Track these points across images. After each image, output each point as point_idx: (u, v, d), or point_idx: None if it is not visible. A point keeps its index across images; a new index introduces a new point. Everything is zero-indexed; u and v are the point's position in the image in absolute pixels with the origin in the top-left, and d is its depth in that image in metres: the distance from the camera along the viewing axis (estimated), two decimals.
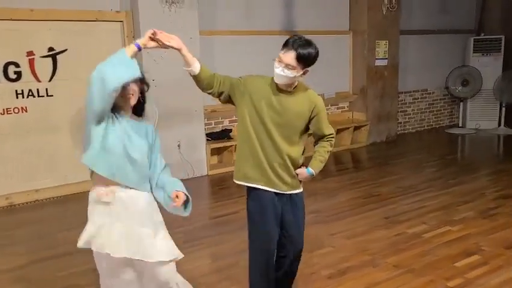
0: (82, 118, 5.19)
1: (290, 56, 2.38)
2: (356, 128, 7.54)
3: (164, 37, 2.32)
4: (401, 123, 8.48)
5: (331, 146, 2.67)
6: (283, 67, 2.39)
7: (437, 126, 9.01)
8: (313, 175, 2.62)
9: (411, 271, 3.28)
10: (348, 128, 7.38)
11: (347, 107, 7.77)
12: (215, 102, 6.24)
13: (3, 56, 4.77)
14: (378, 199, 4.86)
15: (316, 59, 2.47)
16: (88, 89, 2.10)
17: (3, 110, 4.84)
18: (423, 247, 3.66)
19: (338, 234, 3.95)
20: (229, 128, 6.40)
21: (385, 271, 3.29)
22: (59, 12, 4.96)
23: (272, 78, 2.52)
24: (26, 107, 4.96)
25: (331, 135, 2.67)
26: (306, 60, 2.40)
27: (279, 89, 2.51)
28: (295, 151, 2.55)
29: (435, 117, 9.03)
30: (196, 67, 2.44)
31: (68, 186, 5.21)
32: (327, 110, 7.36)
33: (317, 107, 2.56)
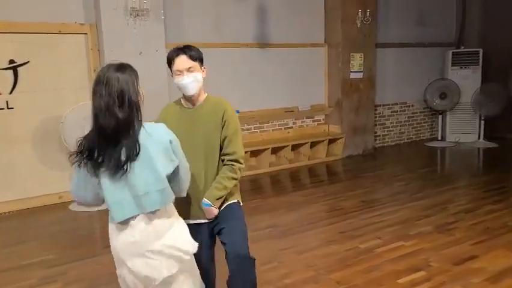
0: (44, 130, 5.21)
1: (183, 60, 2.33)
2: (332, 141, 7.50)
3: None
4: (379, 136, 8.44)
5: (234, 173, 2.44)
6: (186, 75, 2.33)
7: (417, 139, 8.96)
8: (211, 205, 2.40)
9: (352, 287, 3.21)
10: (323, 140, 7.34)
11: (323, 119, 7.74)
12: None
13: None
14: (339, 213, 4.80)
15: (202, 55, 2.44)
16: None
17: None
18: (372, 262, 3.59)
19: (288, 250, 3.89)
20: None
21: (326, 287, 3.22)
22: (21, 25, 4.97)
23: (175, 101, 2.50)
24: None
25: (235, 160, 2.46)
26: (198, 55, 2.39)
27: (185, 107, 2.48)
28: None
29: (415, 130, 8.99)
30: None
31: (29, 200, 5.17)
32: (302, 122, 7.54)
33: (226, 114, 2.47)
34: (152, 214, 1.99)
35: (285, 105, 7.26)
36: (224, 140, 2.41)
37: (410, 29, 8.42)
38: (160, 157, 1.95)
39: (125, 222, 1.97)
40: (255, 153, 6.80)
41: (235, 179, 2.42)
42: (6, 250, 4.09)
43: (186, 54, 2.33)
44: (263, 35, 6.85)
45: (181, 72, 2.35)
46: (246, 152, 6.48)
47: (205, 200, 2.38)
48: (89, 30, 5.36)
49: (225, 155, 2.42)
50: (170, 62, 2.40)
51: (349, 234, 4.18)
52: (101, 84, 1.90)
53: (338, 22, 7.32)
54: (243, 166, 2.45)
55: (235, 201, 2.53)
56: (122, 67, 1.95)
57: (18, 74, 5.07)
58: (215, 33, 6.45)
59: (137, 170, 1.93)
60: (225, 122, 2.41)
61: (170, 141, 1.99)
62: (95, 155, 1.89)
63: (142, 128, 1.95)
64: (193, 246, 2.12)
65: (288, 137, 7.26)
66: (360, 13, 7.15)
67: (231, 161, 2.41)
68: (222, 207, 2.49)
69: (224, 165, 2.41)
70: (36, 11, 5.04)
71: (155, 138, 1.95)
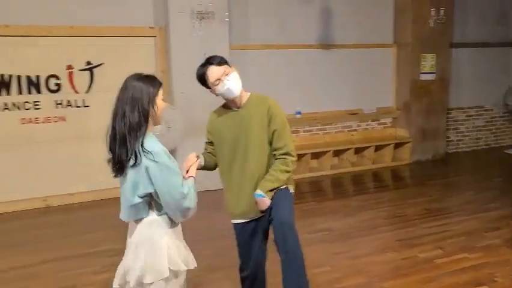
0: None
1: (214, 69, 2.40)
2: (398, 145, 7.21)
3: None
4: (452, 141, 7.97)
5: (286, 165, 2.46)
6: (225, 79, 2.39)
7: (496, 145, 8.33)
8: (264, 196, 2.42)
9: None
10: (389, 144, 7.09)
11: (390, 122, 7.47)
12: None
13: (46, 69, 5.22)
14: (399, 220, 4.61)
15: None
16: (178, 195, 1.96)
17: (44, 118, 5.27)
18: (430, 273, 3.41)
19: (341, 254, 3.81)
20: None
21: None
22: (96, 29, 5.33)
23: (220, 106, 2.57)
24: (64, 117, 5.37)
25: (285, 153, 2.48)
26: (223, 59, 2.47)
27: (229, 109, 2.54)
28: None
29: (494, 136, 8.37)
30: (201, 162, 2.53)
31: (101, 191, 5.52)
32: (366, 125, 7.31)
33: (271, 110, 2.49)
34: (137, 222, 2.03)
35: (349, 107, 7.11)
36: (272, 135, 2.44)
37: (490, 27, 7.86)
38: (144, 176, 1.94)
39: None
40: (316, 155, 6.73)
41: (288, 171, 2.45)
42: (76, 238, 4.40)
43: (214, 64, 2.40)
44: (327, 36, 6.76)
45: (219, 79, 2.40)
46: (306, 154, 6.45)
47: (258, 191, 2.42)
48: (158, 33, 5.62)
49: (275, 149, 2.46)
50: (202, 79, 2.46)
51: (408, 243, 4.01)
52: (121, 90, 2.00)
53: (409, 21, 7.03)
54: (294, 159, 2.48)
55: (285, 187, 2.53)
56: (144, 77, 2.02)
57: (94, 74, 5.44)
58: (279, 34, 6.47)
59: (128, 179, 1.97)
60: (270, 117, 2.44)
61: (146, 168, 1.92)
62: (109, 156, 1.99)
63: (147, 138, 1.95)
64: (158, 273, 1.98)
65: (352, 140, 7.09)
66: (433, 12, 6.82)
67: (282, 154, 2.44)
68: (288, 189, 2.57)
69: (276, 159, 2.45)
70: (111, 16, 5.37)
71: (145, 156, 1.92)
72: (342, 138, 7.07)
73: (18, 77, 5.10)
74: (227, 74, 2.41)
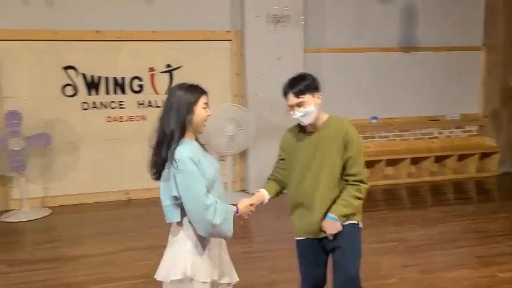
0: None
1: (290, 98, 2.35)
2: (485, 155, 6.70)
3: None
4: None
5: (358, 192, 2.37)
6: (297, 110, 2.36)
7: None
8: (337, 220, 2.35)
9: None
10: (474, 154, 6.61)
11: (476, 131, 6.96)
12: None
13: (131, 71, 5.57)
14: (480, 236, 4.28)
15: (315, 82, 2.39)
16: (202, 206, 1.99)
17: (127, 117, 5.63)
18: None
19: (411, 267, 3.61)
20: None
21: None
22: (177, 33, 5.59)
23: (296, 125, 2.52)
24: (145, 116, 5.68)
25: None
26: (306, 87, 2.34)
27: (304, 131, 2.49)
28: None
29: None
30: (265, 197, 2.52)
31: None
32: (449, 133, 6.88)
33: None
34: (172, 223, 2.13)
35: (430, 113, 6.74)
36: (347, 160, 2.36)
37: None
38: (172, 180, 2.01)
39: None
40: (392, 162, 6.46)
41: (361, 198, 2.39)
42: (152, 230, 4.60)
43: (292, 93, 2.35)
44: (409, 38, 6.47)
45: (291, 107, 2.38)
46: (381, 161, 6.23)
47: (331, 215, 2.35)
48: (234, 36, 5.75)
49: (348, 175, 2.38)
50: (284, 95, 2.43)
51: (487, 260, 3.70)
52: (166, 98, 2.10)
53: (500, 22, 6.52)
54: (367, 186, 2.40)
55: (355, 222, 2.45)
56: (188, 86, 2.09)
57: (173, 76, 5.71)
58: (356, 37, 6.32)
59: (162, 180, 2.06)
60: (347, 142, 2.35)
61: (174, 174, 1.98)
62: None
63: (182, 145, 2.01)
64: (168, 273, 2.08)
65: (432, 148, 6.72)
66: None
67: (356, 181, 2.37)
68: (353, 224, 2.45)
69: (348, 185, 2.39)
70: (189, 20, 5.60)
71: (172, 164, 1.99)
72: (422, 146, 6.72)
73: (106, 79, 5.50)
74: (300, 106, 2.36)
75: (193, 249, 2.07)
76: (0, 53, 5.14)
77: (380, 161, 6.27)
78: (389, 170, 6.52)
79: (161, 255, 2.20)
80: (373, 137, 6.58)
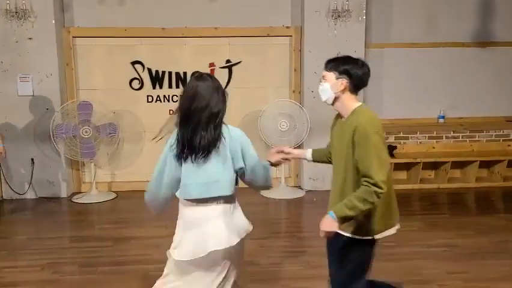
0: (247, 121, 5.88)
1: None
2: None
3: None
4: None
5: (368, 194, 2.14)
6: (320, 83, 2.35)
7: None
8: (334, 218, 2.17)
9: None
10: None
11: None
12: (380, 116, 6.09)
13: (192, 66, 5.76)
14: None
15: (347, 65, 2.28)
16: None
17: None
18: None
19: (457, 274, 3.41)
20: (394, 145, 6.07)
21: None
22: (237, 30, 5.72)
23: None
24: None
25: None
26: (335, 66, 2.28)
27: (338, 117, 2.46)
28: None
29: None
30: (307, 156, 2.70)
31: None
32: None
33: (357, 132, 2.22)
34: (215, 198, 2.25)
35: (507, 113, 6.23)
36: (357, 159, 2.20)
37: None
38: (232, 154, 2.25)
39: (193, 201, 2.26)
40: (459, 165, 6.07)
41: (369, 202, 2.12)
42: None
43: (326, 64, 2.34)
44: (484, 33, 6.01)
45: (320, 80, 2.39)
46: (446, 162, 5.88)
47: (331, 211, 2.19)
48: (294, 32, 5.76)
49: (361, 175, 2.18)
50: None
51: None
52: (206, 80, 2.32)
53: None
54: (381, 191, 2.11)
55: (355, 237, 2.27)
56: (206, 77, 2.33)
57: (232, 72, 5.86)
58: (425, 32, 6.00)
59: (217, 158, 2.22)
60: (354, 140, 2.21)
61: (241, 146, 2.28)
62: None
63: (225, 126, 2.27)
64: (237, 236, 2.27)
65: (508, 151, 6.20)
66: None
67: (368, 183, 2.14)
68: (343, 236, 2.29)
69: (361, 185, 2.17)
70: (250, 17, 5.70)
71: (234, 138, 2.25)
72: (495, 148, 6.22)
73: (169, 73, 5.80)
74: (323, 80, 2.34)
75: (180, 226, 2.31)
76: (78, 49, 5.64)
77: (444, 162, 5.92)
78: (455, 173, 6.13)
79: None
80: (440, 137, 6.22)
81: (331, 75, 2.31)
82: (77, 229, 4.64)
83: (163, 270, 2.37)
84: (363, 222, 2.25)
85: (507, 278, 3.34)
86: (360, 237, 2.28)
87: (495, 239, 4.13)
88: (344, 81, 2.29)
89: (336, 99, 2.33)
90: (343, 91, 2.30)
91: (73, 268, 3.63)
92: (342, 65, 2.30)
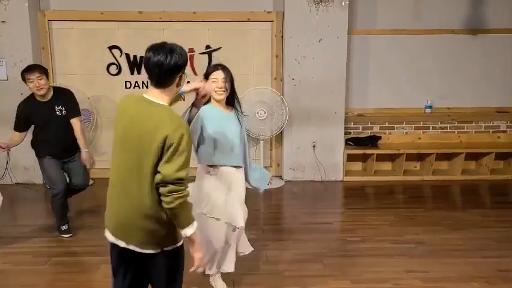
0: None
1: None
2: None
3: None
4: None
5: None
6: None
7: None
8: None
9: None
10: None
11: None
12: (364, 105, 5.94)
13: None
14: None
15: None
16: None
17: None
18: None
19: (415, 273, 3.28)
20: (379, 135, 5.90)
21: None
22: (217, 14, 5.56)
23: None
24: (184, 96, 5.76)
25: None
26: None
27: None
28: None
29: None
30: None
31: None
32: None
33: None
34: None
35: (497, 103, 6.01)
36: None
37: None
38: None
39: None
40: (445, 157, 5.90)
41: None
42: None
43: None
44: (475, 19, 5.76)
45: None
46: (431, 154, 5.72)
47: None
48: (275, 17, 5.57)
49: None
50: None
51: (510, 276, 3.23)
52: (226, 68, 2.91)
53: None
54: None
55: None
56: None
57: (212, 58, 5.72)
58: (413, 18, 5.78)
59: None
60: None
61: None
62: None
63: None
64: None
65: (497, 143, 5.99)
66: None
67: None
68: None
69: None
70: (230, 1, 5.53)
71: None
72: (484, 140, 6.03)
73: None
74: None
75: None
76: (54, 33, 5.54)
77: (430, 154, 5.74)
78: (442, 165, 5.96)
79: None
80: (427, 128, 6.04)
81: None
82: (46, 217, 4.57)
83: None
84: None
85: (467, 278, 3.21)
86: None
87: (465, 235, 3.98)
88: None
89: None
90: None
91: (25, 258, 3.57)
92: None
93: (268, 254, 3.60)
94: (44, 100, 3.81)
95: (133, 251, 2.03)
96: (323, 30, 5.38)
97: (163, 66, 1.94)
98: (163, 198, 1.91)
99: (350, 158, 5.78)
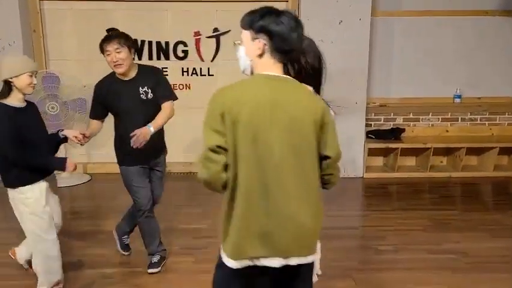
0: None
1: None
2: None
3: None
4: None
5: None
6: None
7: None
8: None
9: None
10: None
11: None
12: (386, 95, 5.42)
13: (175, 35, 5.16)
14: None
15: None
16: None
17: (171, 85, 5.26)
18: None
19: None
20: (402, 128, 5.39)
21: None
22: None
23: None
24: (189, 84, 5.29)
25: None
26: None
27: None
28: None
29: None
30: None
31: None
32: None
33: None
34: None
35: None
36: None
37: None
38: None
39: None
40: (476, 151, 5.39)
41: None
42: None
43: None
44: None
45: None
46: (460, 148, 5.23)
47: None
48: None
49: None
50: None
51: None
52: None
53: None
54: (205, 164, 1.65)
55: None
56: None
57: (220, 42, 5.20)
58: None
59: None
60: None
61: None
62: None
63: None
64: None
65: None
66: None
67: None
68: None
69: None
70: None
71: None
72: None
73: (150, 43, 5.16)
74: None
75: None
76: (47, 14, 5.03)
77: (459, 148, 5.23)
78: (471, 160, 5.45)
79: None
80: (455, 120, 5.52)
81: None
82: None
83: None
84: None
85: None
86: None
87: (510, 243, 3.49)
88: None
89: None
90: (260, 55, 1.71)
91: (4, 269, 3.10)
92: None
93: None
94: (126, 79, 2.91)
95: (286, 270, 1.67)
96: (343, 10, 4.85)
97: None
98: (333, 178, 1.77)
99: (371, 152, 5.28)
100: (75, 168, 2.64)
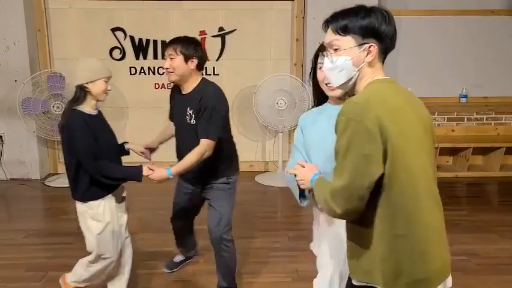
0: (242, 98, 5.22)
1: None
2: None
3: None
4: None
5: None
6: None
7: None
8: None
9: None
10: None
11: None
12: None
13: (180, 34, 5.04)
14: None
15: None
16: None
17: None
18: None
19: None
20: None
21: None
22: None
23: None
24: None
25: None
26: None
27: None
28: None
29: None
30: None
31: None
32: None
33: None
34: None
35: None
36: None
37: None
38: None
39: None
40: (482, 151, 5.37)
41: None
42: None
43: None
44: None
45: None
46: (467, 148, 5.21)
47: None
48: None
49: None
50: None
51: None
52: None
53: None
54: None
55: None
56: None
57: (226, 41, 5.17)
58: None
59: None
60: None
61: None
62: None
63: None
64: None
65: None
66: None
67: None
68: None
69: None
70: None
71: None
72: None
73: (155, 42, 5.13)
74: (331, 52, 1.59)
75: None
76: (52, 13, 5.00)
77: (465, 148, 5.21)
78: (477, 160, 5.43)
79: None
80: (461, 119, 5.50)
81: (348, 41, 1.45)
82: (41, 220, 4.10)
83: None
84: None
85: None
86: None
87: None
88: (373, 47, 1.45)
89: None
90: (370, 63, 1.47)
91: (16, 273, 3.08)
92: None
93: (299, 267, 3.11)
94: (183, 92, 2.58)
95: None
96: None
97: None
98: None
99: None
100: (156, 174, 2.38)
